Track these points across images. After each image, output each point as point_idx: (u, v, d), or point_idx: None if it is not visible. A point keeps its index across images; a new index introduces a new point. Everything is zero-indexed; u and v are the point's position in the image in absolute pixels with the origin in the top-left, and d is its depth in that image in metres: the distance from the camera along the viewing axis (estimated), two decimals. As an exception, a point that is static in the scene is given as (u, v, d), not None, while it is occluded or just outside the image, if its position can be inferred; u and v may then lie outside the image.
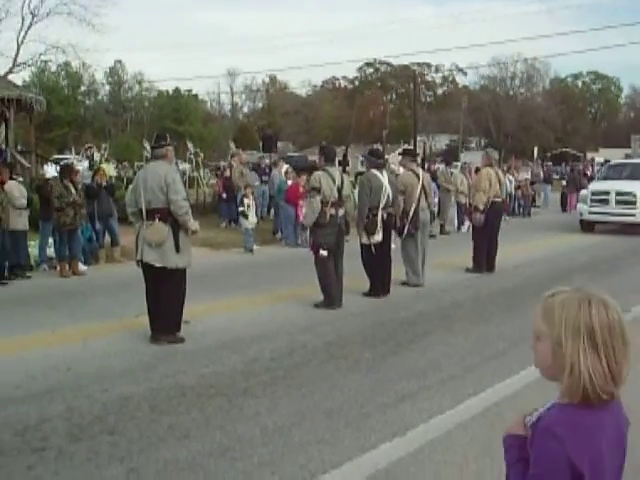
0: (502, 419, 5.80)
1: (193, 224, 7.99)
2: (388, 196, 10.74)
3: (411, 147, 11.97)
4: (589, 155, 73.19)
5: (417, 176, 11.70)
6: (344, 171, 11.53)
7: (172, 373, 6.80)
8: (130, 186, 14.60)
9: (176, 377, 6.67)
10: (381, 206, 10.61)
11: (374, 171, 10.81)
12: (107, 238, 15.09)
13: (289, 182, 18.41)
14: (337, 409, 5.87)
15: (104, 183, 15.20)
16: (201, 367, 7.03)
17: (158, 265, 7.76)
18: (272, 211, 21.25)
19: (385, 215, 10.75)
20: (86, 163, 28.77)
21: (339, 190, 9.93)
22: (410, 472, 4.78)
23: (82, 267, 13.30)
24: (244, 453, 4.96)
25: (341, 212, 10.02)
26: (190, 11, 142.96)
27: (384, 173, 10.97)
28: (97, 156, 29.21)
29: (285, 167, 20.74)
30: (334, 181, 9.88)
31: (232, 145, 28.19)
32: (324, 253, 9.93)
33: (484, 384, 6.61)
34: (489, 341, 8.30)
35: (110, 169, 21.71)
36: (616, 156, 64.84)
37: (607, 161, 47.78)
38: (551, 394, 6.22)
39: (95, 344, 7.94)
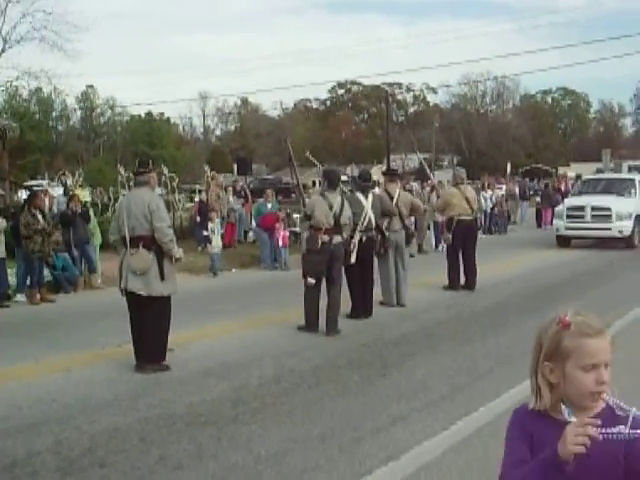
0: (496, 439, 5.76)
1: (177, 251, 7.94)
2: (369, 219, 10.73)
3: (394, 168, 11.97)
4: (560, 170, 73.85)
5: (391, 198, 11.73)
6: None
7: (159, 402, 6.72)
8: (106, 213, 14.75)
9: (164, 406, 6.59)
10: (359, 228, 10.58)
11: (358, 193, 10.81)
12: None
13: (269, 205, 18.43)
14: (329, 434, 5.82)
15: (79, 210, 15.09)
16: (188, 395, 6.95)
17: (143, 293, 7.68)
18: (249, 235, 21.30)
19: (364, 237, 10.72)
20: (60, 189, 28.51)
21: (336, 216, 9.81)
22: (408, 497, 4.75)
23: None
24: (239, 483, 4.90)
25: (337, 239, 9.82)
26: (161, 35, 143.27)
27: (368, 196, 10.96)
28: (70, 182, 28.99)
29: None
30: (331, 207, 9.78)
31: (207, 168, 28.11)
32: (310, 281, 9.86)
33: (475, 404, 6.58)
34: (476, 360, 8.29)
35: (85, 195, 21.48)
36: (587, 170, 65.40)
37: (579, 176, 48.35)
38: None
39: (79, 374, 7.83)
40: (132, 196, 8.02)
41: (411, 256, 13.77)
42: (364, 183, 11.14)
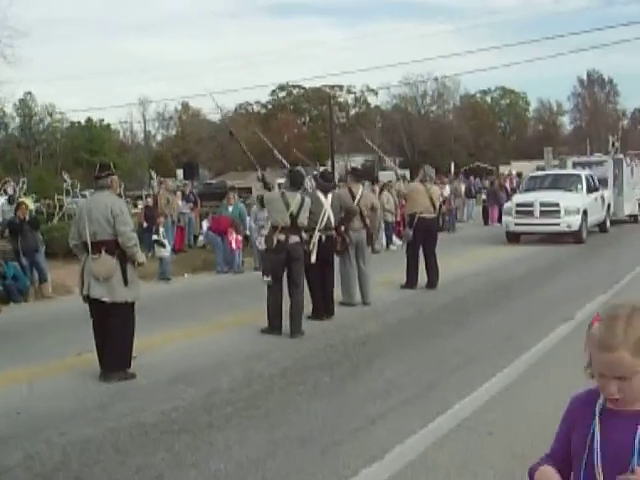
0: (476, 433, 5.76)
1: (140, 256, 7.74)
2: (328, 218, 10.66)
3: (358, 167, 12.03)
4: (502, 168, 74.86)
5: (353, 197, 11.68)
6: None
7: (129, 411, 6.51)
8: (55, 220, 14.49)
9: (135, 415, 6.39)
10: (318, 227, 10.49)
11: (318, 193, 10.72)
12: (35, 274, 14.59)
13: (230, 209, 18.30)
14: (309, 437, 5.71)
15: (27, 218, 14.72)
16: (159, 403, 6.75)
17: (106, 300, 7.47)
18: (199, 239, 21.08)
19: (323, 237, 10.64)
20: (2, 198, 27.86)
21: (293, 216, 9.68)
22: (397, 497, 4.67)
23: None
24: (223, 490, 4.77)
25: (293, 239, 9.70)
26: (101, 40, 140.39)
27: (328, 196, 10.87)
28: (11, 190, 28.39)
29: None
30: (288, 207, 9.67)
31: (153, 173, 27.82)
32: (267, 279, 9.80)
33: (450, 400, 6.56)
34: (444, 357, 8.27)
35: (30, 203, 21.03)
36: (528, 168, 66.36)
37: (520, 174, 48.99)
38: (516, 403, 6.20)
39: (42, 386, 7.55)
40: (93, 200, 7.79)
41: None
42: (326, 183, 11.05)
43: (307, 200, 9.89)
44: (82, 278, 7.62)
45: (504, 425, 5.91)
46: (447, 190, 29.50)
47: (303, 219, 9.84)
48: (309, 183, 11.54)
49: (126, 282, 7.49)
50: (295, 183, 9.95)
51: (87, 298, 7.61)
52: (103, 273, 7.41)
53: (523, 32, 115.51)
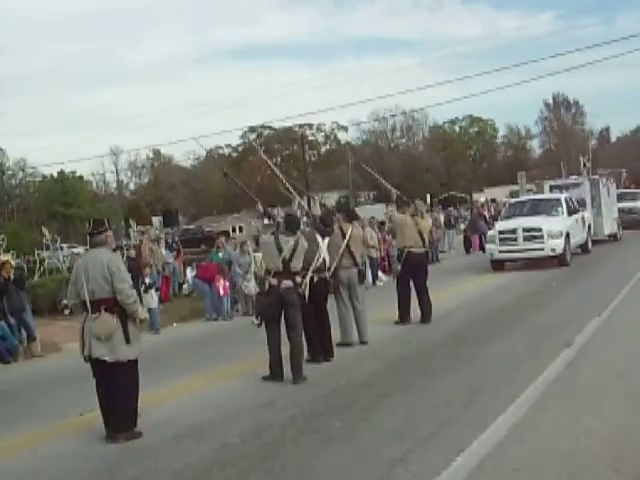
0: (500, 471, 5.65)
1: (142, 312, 7.60)
2: (323, 260, 10.58)
3: (352, 209, 11.94)
4: (475, 196, 75.31)
5: (343, 235, 11.61)
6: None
7: (141, 473, 6.32)
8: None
9: (147, 477, 6.21)
10: (312, 268, 10.39)
11: (317, 234, 10.64)
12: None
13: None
14: (332, 487, 5.58)
15: (12, 277, 14.52)
16: (170, 462, 6.56)
17: (109, 360, 7.30)
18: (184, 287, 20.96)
19: (315, 278, 10.53)
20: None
21: (285, 261, 9.55)
22: None
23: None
24: None
25: (286, 283, 9.57)
26: (69, 93, 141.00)
27: (325, 239, 10.80)
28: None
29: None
30: (280, 251, 9.58)
31: (133, 223, 27.68)
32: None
33: (467, 437, 6.43)
34: (453, 392, 8.15)
35: (12, 261, 20.79)
36: (501, 194, 67.07)
37: (494, 200, 49.26)
38: (536, 435, 6.07)
39: (47, 450, 7.35)
40: (89, 258, 7.62)
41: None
42: (324, 228, 10.93)
43: (302, 244, 9.75)
44: (82, 338, 7.44)
45: (528, 460, 5.81)
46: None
47: (296, 264, 9.71)
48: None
49: (128, 340, 7.33)
50: (289, 227, 9.84)
51: (89, 358, 7.43)
52: (104, 332, 7.24)
53: (487, 61, 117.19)
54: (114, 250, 7.99)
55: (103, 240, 7.58)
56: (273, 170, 12.68)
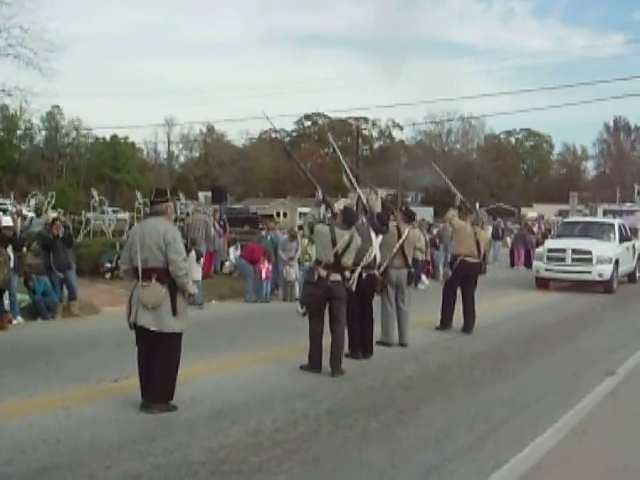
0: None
1: (191, 287, 7.56)
2: (375, 257, 10.47)
3: (412, 210, 11.75)
4: (524, 210, 74.66)
5: (399, 235, 11.47)
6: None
7: (175, 447, 6.27)
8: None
9: (181, 451, 6.15)
10: (362, 264, 10.26)
11: (371, 230, 10.52)
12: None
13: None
14: (365, 487, 5.49)
15: (61, 234, 14.61)
16: (204, 440, 6.51)
17: (154, 329, 7.27)
18: (226, 265, 20.91)
19: (364, 274, 10.40)
20: (25, 211, 27.78)
21: (337, 255, 9.42)
22: None
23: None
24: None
25: (335, 277, 9.45)
26: (131, 60, 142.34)
27: (379, 237, 10.67)
28: (33, 203, 28.42)
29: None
30: (334, 244, 9.43)
31: (181, 195, 27.73)
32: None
33: (504, 454, 6.32)
34: (490, 406, 8.02)
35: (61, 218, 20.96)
36: (549, 211, 66.36)
37: (542, 216, 48.69)
38: (572, 462, 5.89)
39: (80, 412, 7.35)
40: (146, 225, 7.59)
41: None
42: (380, 226, 10.80)
43: (356, 240, 9.61)
44: (130, 304, 7.42)
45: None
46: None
47: (348, 259, 9.59)
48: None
49: (175, 312, 7.29)
50: (346, 222, 9.71)
51: (134, 325, 7.41)
52: (152, 301, 7.21)
53: (551, 76, 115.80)
54: (176, 222, 7.94)
55: (163, 209, 7.54)
56: (340, 159, 12.37)
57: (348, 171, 11.55)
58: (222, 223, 22.26)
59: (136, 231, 7.67)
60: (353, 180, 11.44)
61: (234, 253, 19.90)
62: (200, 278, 16.20)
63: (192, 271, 15.21)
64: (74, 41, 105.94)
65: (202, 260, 16.84)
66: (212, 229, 19.82)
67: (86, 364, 9.60)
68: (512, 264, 29.68)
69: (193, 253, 16.03)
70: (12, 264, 13.15)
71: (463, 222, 13.35)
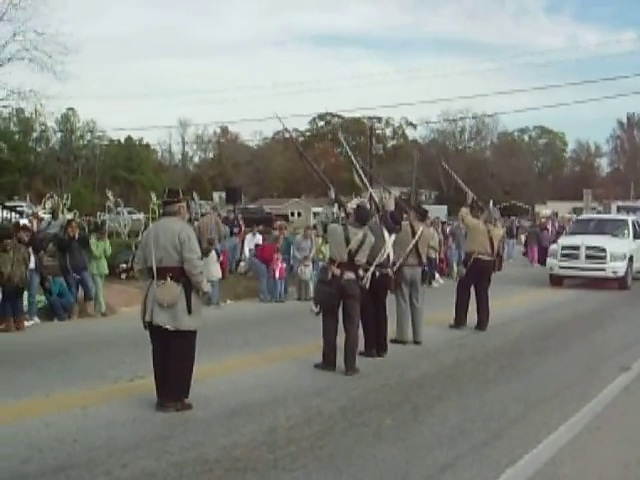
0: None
1: (206, 285, 7.62)
2: (388, 256, 10.49)
3: (425, 208, 11.76)
4: (537, 208, 74.43)
5: (413, 234, 11.50)
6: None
7: (191, 445, 6.33)
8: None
9: (197, 449, 6.21)
10: (375, 263, 10.28)
11: (384, 229, 10.53)
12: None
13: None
14: (380, 484, 5.52)
15: (76, 235, 14.74)
16: (219, 437, 6.57)
17: (170, 327, 7.33)
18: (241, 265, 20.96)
19: (377, 273, 10.42)
20: (41, 213, 27.96)
21: (351, 253, 9.45)
22: None
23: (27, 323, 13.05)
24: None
25: (349, 275, 9.47)
26: (145, 61, 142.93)
27: (392, 235, 10.69)
28: (48, 205, 28.64)
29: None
30: (347, 242, 9.46)
31: (195, 196, 27.83)
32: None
33: (517, 451, 6.32)
34: (505, 403, 8.03)
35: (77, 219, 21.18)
36: (563, 208, 66.13)
37: (556, 214, 48.51)
38: (586, 458, 5.91)
39: (97, 411, 7.42)
40: (160, 225, 7.66)
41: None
42: (393, 224, 10.81)
43: (369, 239, 9.64)
44: (145, 304, 7.48)
45: (579, 482, 5.69)
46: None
47: (361, 257, 9.61)
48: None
49: (190, 310, 7.34)
50: (359, 220, 9.73)
51: (149, 325, 7.47)
52: (168, 300, 7.27)
53: (564, 73, 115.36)
54: (190, 221, 8.02)
55: (176, 210, 7.60)
56: (351, 158, 12.40)
57: (360, 170, 11.57)
58: (237, 223, 22.34)
59: (150, 231, 7.73)
60: (365, 179, 11.46)
61: (249, 253, 19.87)
62: (219, 276, 16.31)
63: (211, 270, 15.39)
64: (87, 43, 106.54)
65: (221, 258, 16.96)
66: (222, 227, 19.91)
67: (102, 364, 9.68)
68: (530, 260, 29.66)
69: (213, 253, 16.11)
70: (33, 265, 13.27)
71: (476, 220, 13.36)
